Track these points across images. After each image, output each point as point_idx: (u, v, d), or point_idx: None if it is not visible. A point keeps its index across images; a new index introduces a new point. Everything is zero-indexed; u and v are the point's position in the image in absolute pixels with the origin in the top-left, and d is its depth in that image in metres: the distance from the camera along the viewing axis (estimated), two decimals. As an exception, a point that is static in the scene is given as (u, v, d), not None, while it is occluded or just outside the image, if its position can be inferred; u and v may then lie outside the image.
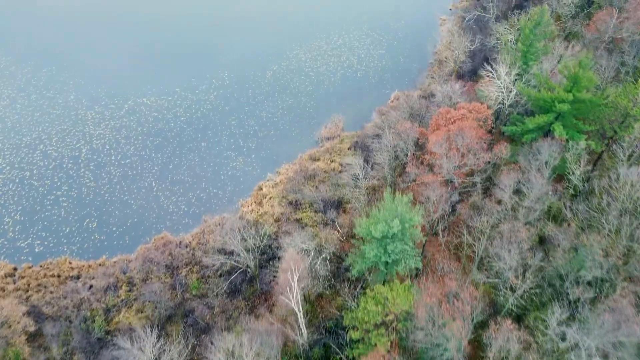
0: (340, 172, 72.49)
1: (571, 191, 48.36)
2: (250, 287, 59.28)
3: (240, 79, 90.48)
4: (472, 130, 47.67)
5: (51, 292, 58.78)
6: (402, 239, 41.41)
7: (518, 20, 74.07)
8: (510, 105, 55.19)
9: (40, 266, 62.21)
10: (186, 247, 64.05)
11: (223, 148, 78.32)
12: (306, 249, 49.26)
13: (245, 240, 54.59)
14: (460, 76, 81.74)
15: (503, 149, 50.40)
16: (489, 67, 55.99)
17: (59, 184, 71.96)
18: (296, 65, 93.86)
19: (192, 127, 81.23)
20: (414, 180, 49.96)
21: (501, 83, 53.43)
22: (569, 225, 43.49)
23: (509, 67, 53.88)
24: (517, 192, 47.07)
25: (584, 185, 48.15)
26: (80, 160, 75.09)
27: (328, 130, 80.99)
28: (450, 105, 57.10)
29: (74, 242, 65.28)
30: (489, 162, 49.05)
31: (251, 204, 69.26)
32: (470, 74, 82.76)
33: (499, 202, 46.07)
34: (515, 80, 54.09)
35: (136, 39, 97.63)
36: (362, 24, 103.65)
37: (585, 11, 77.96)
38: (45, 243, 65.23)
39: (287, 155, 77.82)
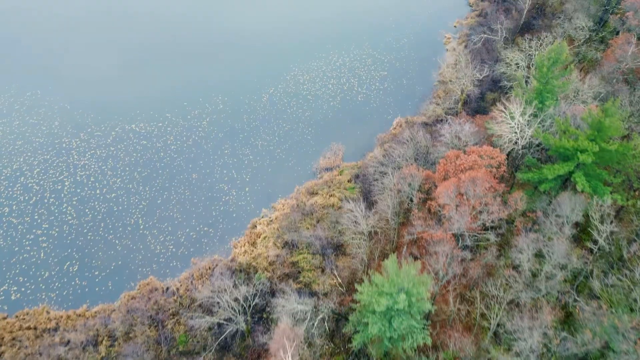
0: (339, 208, 68.08)
1: (596, 251, 43.89)
2: (242, 342, 54.75)
3: (234, 102, 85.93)
4: (485, 183, 43.19)
5: (26, 348, 54.22)
6: (408, 312, 37.03)
7: (529, 45, 69.62)
8: (524, 147, 50.86)
9: (16, 317, 57.52)
10: (173, 294, 59.43)
11: (215, 180, 73.76)
12: (302, 310, 44.80)
13: (236, 299, 50.04)
14: (467, 102, 77.22)
15: (519, 201, 45.97)
16: (501, 107, 51.54)
17: (39, 221, 67.34)
18: (294, 88, 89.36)
19: (183, 157, 76.66)
20: (421, 234, 45.66)
21: (515, 124, 49.01)
22: (599, 303, 38.84)
23: (523, 107, 49.42)
24: (537, 254, 42.65)
25: (610, 247, 43.79)
26: (62, 195, 70.50)
27: (327, 160, 76.43)
28: (459, 146, 52.71)
29: (53, 289, 60.63)
30: (504, 220, 44.82)
31: (244, 245, 64.70)
32: (478, 100, 78.30)
33: (516, 267, 41.70)
34: (530, 121, 49.64)
35: (125, 58, 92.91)
36: (363, 43, 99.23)
37: (600, 35, 73.64)
38: (23, 289, 60.58)
39: (284, 188, 73.30)
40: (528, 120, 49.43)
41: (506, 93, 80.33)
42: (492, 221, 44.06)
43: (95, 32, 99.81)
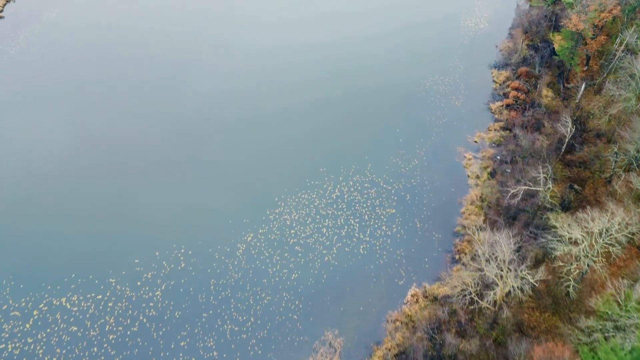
0: None
1: None
2: None
3: (200, 258, 66.64)
4: None
5: None
6: None
7: (592, 222, 51.40)
8: None
9: None
10: None
11: (164, 397, 53.96)
12: None
13: None
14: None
15: None
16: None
17: None
18: (278, 234, 70.52)
19: (122, 355, 56.84)
20: None
21: None
22: None
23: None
24: None
25: None
26: None
27: (319, 361, 56.88)
28: None
29: None
30: None
31: None
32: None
33: None
34: None
35: (61, 193, 73.87)
36: (364, 164, 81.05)
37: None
38: None
39: (258, 412, 53.42)
40: None
41: (554, 258, 61.87)
42: None
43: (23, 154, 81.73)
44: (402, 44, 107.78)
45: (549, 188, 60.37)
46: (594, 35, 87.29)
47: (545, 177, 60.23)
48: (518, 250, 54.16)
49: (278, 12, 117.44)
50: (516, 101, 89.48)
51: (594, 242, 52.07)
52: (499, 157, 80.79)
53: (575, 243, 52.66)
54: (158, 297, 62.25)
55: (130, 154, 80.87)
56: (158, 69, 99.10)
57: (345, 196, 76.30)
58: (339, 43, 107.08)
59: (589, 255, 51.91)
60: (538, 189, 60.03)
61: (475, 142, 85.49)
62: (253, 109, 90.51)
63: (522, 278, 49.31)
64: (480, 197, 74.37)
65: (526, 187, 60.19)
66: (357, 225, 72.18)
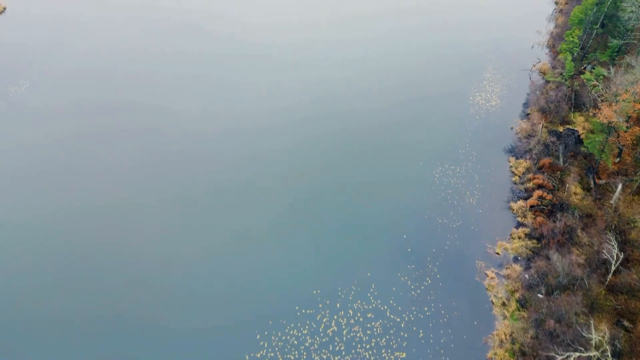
0: None
1: None
2: None
3: None
4: None
5: None
6: None
7: None
8: None
9: None
10: None
11: None
12: None
13: None
14: None
15: None
16: None
17: None
18: (260, 392, 56.37)
19: None
20: None
21: None
22: None
23: None
24: None
25: None
26: None
27: None
28: None
29: None
30: None
31: None
32: None
33: None
34: None
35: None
36: (367, 288, 67.00)
37: None
38: None
39: None
40: None
41: None
42: None
43: None
44: (407, 126, 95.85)
45: (605, 353, 47.03)
46: (627, 127, 76.37)
47: (601, 339, 47.11)
48: None
49: (270, 100, 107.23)
50: (541, 202, 77.21)
51: None
52: (527, 277, 67.75)
53: None
54: None
55: (71, 272, 67.33)
56: (127, 158, 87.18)
57: (344, 332, 62.27)
58: (333, 130, 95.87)
59: None
60: (592, 354, 46.75)
61: (497, 254, 72.30)
62: (234, 212, 77.79)
63: None
64: (510, 336, 60.70)
65: (578, 354, 46.86)
66: (360, 375, 58.17)
